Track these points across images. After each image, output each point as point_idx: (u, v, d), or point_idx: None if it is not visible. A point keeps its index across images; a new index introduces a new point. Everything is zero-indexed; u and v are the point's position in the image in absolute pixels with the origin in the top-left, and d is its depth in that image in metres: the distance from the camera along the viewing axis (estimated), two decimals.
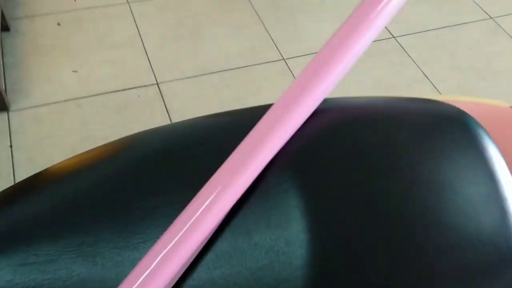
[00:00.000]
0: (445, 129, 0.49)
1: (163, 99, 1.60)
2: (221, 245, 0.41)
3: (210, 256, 0.41)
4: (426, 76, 1.78)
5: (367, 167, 0.45)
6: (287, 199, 0.43)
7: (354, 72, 1.69)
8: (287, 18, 1.93)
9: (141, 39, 1.79)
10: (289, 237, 0.41)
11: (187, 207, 0.41)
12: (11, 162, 1.39)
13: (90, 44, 1.76)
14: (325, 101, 0.47)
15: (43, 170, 0.49)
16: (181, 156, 0.46)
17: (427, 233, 0.43)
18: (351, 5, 1.89)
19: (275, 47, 1.82)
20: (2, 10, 1.69)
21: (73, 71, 1.66)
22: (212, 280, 0.40)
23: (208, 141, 0.47)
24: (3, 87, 1.53)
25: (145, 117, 1.55)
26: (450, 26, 1.97)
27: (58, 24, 1.82)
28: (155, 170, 0.45)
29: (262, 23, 1.90)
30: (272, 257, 0.40)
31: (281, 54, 1.79)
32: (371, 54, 1.81)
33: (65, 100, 1.58)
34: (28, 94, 1.58)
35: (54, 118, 1.52)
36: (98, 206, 0.43)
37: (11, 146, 1.44)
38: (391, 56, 1.83)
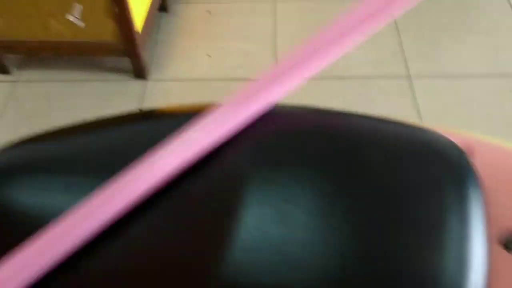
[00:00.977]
0: (420, 156, 0.48)
1: None
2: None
3: None
4: None
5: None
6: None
7: (483, 105, 1.56)
8: (426, 34, 1.85)
9: (276, 37, 1.89)
10: None
11: None
12: None
13: (230, 34, 1.92)
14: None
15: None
16: None
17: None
18: (505, 31, 1.73)
19: (404, 62, 1.76)
20: None
21: (207, 55, 1.84)
22: None
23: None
24: (150, 59, 1.77)
25: None
26: None
27: (208, 12, 2.02)
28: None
29: (399, 35, 1.85)
30: None
31: (408, 70, 1.73)
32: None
33: (194, 80, 1.76)
34: (166, 68, 1.80)
35: (181, 93, 1.72)
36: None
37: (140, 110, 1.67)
38: None
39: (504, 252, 0.47)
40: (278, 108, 0.52)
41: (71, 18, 1.53)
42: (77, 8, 1.51)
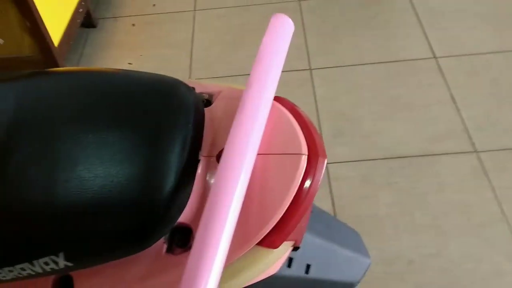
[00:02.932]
0: (153, 92, 0.62)
1: None
2: None
3: None
4: (453, 98, 1.71)
5: None
6: None
7: (373, 88, 1.72)
8: (329, 32, 2.02)
9: (192, 42, 2.05)
10: None
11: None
12: None
13: (150, 42, 2.08)
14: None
15: None
16: None
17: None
18: (399, 22, 1.89)
19: (307, 58, 1.92)
20: (89, 11, 2.10)
21: (129, 63, 1.99)
22: None
23: None
24: None
25: None
26: (503, 52, 1.85)
27: (133, 24, 2.18)
28: None
29: (304, 34, 2.01)
30: None
31: (309, 64, 1.89)
32: (403, 73, 1.81)
33: None
34: None
35: None
36: None
37: None
38: (422, 76, 1.80)
39: (217, 164, 0.61)
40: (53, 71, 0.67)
41: None
42: None
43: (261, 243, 0.58)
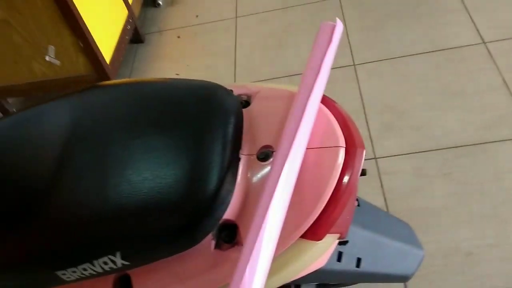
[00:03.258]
0: (197, 97, 0.66)
1: None
2: None
3: None
4: (505, 83, 1.64)
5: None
6: None
7: (421, 79, 1.68)
8: (372, 26, 2.00)
9: (235, 48, 2.10)
10: None
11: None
12: None
13: (195, 52, 2.14)
14: None
15: None
16: None
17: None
18: (447, 10, 1.84)
19: (350, 54, 1.91)
20: (137, 27, 2.20)
21: (176, 74, 2.06)
22: None
23: None
24: None
25: None
26: None
27: (178, 37, 2.26)
28: None
29: (346, 31, 2.00)
30: None
31: (353, 60, 1.88)
32: (452, 60, 1.76)
33: None
34: None
35: None
36: None
37: None
38: (472, 62, 1.74)
39: (257, 161, 0.63)
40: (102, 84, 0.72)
41: (47, 58, 1.79)
42: (51, 49, 1.77)
43: (304, 236, 0.59)
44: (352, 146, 0.61)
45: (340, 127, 0.63)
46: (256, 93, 0.72)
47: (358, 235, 0.85)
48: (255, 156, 0.64)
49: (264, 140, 0.65)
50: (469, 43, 1.81)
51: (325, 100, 0.69)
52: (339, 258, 0.81)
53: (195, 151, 0.60)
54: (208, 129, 0.62)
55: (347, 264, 0.83)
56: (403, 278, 0.95)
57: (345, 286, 1.17)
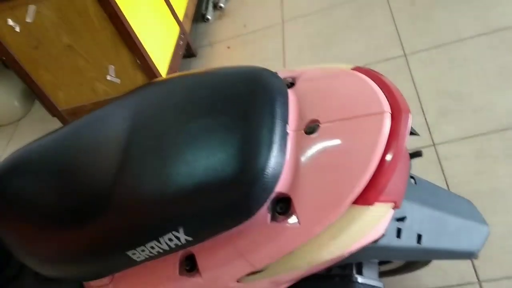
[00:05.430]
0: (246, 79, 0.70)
1: None
2: None
3: None
4: None
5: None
6: None
7: (477, 61, 1.63)
8: (420, 14, 1.97)
9: (283, 52, 2.13)
10: None
11: None
12: None
13: (246, 61, 2.20)
14: None
15: None
16: None
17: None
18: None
19: (400, 44, 1.89)
20: (189, 42, 2.30)
21: None
22: None
23: None
24: None
25: None
26: None
27: (228, 47, 2.33)
28: None
29: (394, 21, 1.98)
30: None
31: (403, 50, 1.86)
32: (507, 40, 1.70)
33: None
34: None
35: None
36: None
37: None
38: None
39: (305, 136, 0.65)
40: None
41: (109, 78, 1.91)
42: (111, 68, 1.89)
43: (356, 202, 0.61)
44: (397, 111, 0.62)
45: (384, 94, 0.64)
46: (301, 74, 0.75)
47: (417, 211, 0.84)
48: (302, 131, 0.67)
49: (310, 114, 0.68)
50: None
51: (366, 71, 0.70)
52: (398, 235, 0.81)
53: (244, 128, 0.64)
54: (255, 108, 0.65)
55: (407, 240, 0.82)
56: (469, 255, 0.93)
57: (410, 270, 1.15)
